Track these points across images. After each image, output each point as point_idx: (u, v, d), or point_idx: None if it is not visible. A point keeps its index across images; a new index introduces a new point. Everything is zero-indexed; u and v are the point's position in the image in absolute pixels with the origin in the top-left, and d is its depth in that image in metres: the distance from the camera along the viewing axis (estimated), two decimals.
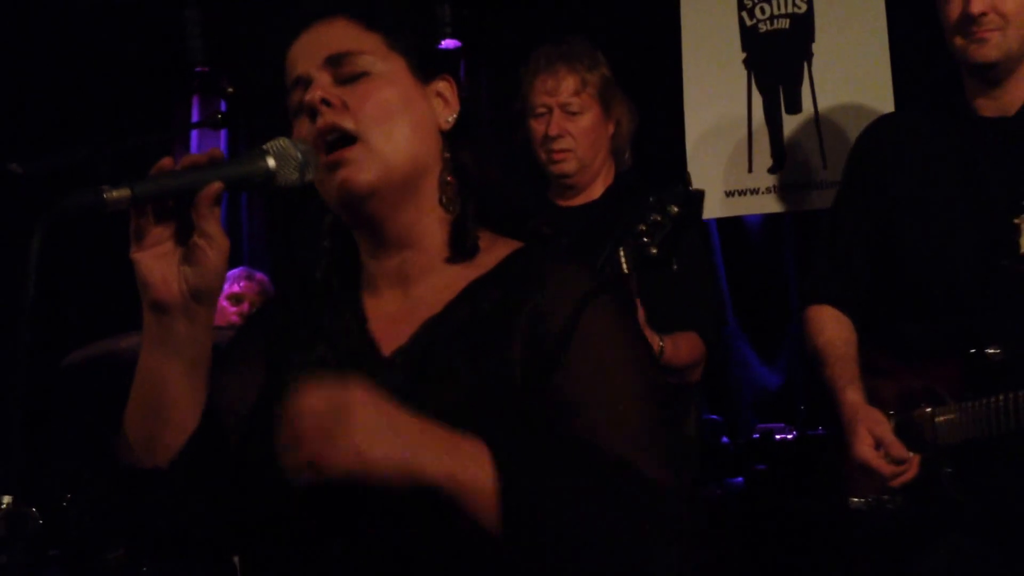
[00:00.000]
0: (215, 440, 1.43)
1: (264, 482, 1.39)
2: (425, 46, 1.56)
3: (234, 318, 4.01)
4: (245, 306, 4.06)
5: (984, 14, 2.47)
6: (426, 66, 1.53)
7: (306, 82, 1.48)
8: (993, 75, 2.53)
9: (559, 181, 2.99)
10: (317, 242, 1.58)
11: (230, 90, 3.86)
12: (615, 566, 1.30)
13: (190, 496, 1.41)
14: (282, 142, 1.42)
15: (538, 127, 2.94)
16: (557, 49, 2.97)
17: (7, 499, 2.88)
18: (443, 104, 1.54)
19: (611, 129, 2.97)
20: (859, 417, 2.47)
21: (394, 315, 1.50)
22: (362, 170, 1.44)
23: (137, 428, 1.41)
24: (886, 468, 2.43)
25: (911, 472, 2.43)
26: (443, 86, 1.54)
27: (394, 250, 1.51)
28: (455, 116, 1.54)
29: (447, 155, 1.52)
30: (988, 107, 2.57)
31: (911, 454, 2.43)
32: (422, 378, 1.42)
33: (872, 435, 2.44)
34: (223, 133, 4.40)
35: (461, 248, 1.51)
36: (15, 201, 1.19)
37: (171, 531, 1.43)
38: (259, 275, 4.18)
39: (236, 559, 2.95)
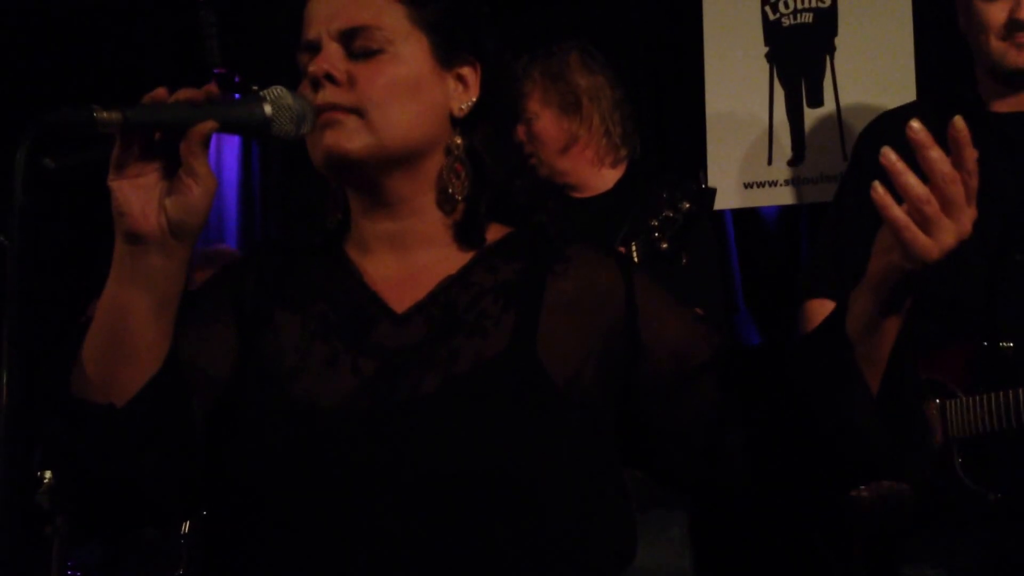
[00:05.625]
0: (177, 390, 1.35)
1: (255, 450, 1.34)
2: (452, 24, 1.46)
3: None
4: None
5: None
6: (450, 47, 1.46)
7: (315, 48, 1.42)
8: (1022, 81, 2.55)
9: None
10: (322, 197, 1.53)
11: (255, 88, 3.86)
12: None
13: (143, 442, 1.31)
14: (280, 91, 1.37)
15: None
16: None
17: (48, 474, 2.90)
18: (461, 90, 1.46)
19: (573, 126, 2.94)
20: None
21: (395, 276, 1.45)
22: (352, 139, 1.39)
23: (95, 361, 1.31)
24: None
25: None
26: (466, 71, 1.47)
27: (391, 215, 1.46)
28: (471, 103, 1.46)
29: (458, 141, 1.46)
30: (1002, 103, 2.59)
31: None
32: (448, 333, 1.39)
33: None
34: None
35: (467, 242, 1.47)
36: (47, 193, 1.20)
37: (116, 476, 1.32)
38: None
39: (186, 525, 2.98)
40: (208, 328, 1.44)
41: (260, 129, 1.35)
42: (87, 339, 1.33)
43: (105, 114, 1.23)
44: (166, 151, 1.30)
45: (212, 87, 1.33)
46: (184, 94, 1.30)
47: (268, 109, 1.35)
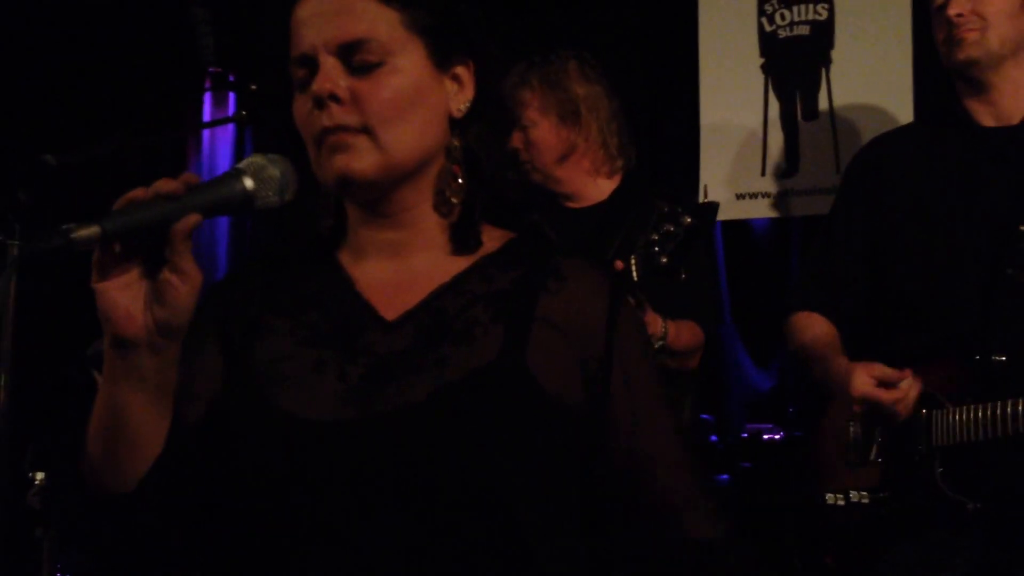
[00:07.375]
0: (182, 459, 1.36)
1: (242, 460, 1.34)
2: (446, 25, 1.43)
3: None
4: None
5: (960, 15, 2.51)
6: (445, 48, 1.43)
7: (312, 62, 1.38)
8: (976, 75, 2.56)
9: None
10: (317, 206, 1.49)
11: (253, 87, 3.85)
12: None
13: (156, 521, 1.35)
14: (259, 161, 1.32)
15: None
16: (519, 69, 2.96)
17: (40, 476, 2.88)
18: (458, 90, 1.44)
19: (572, 135, 2.93)
20: (855, 366, 2.52)
21: (389, 282, 1.43)
22: (363, 159, 1.37)
23: (99, 453, 1.33)
24: (886, 396, 2.47)
25: (914, 391, 2.46)
26: (461, 70, 1.44)
27: (393, 224, 1.44)
28: (469, 103, 1.44)
29: (456, 143, 1.44)
30: (987, 116, 2.59)
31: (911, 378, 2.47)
32: (436, 339, 1.37)
33: (870, 375, 2.49)
34: (231, 130, 4.37)
35: (464, 244, 1.45)
36: (49, 189, 1.20)
37: (138, 557, 1.38)
38: None
39: None
40: (195, 359, 1.41)
41: (244, 205, 1.31)
42: (89, 430, 1.35)
43: (82, 232, 1.19)
44: (147, 245, 1.27)
45: (189, 176, 1.29)
46: (161, 187, 1.26)
47: (249, 183, 1.30)
